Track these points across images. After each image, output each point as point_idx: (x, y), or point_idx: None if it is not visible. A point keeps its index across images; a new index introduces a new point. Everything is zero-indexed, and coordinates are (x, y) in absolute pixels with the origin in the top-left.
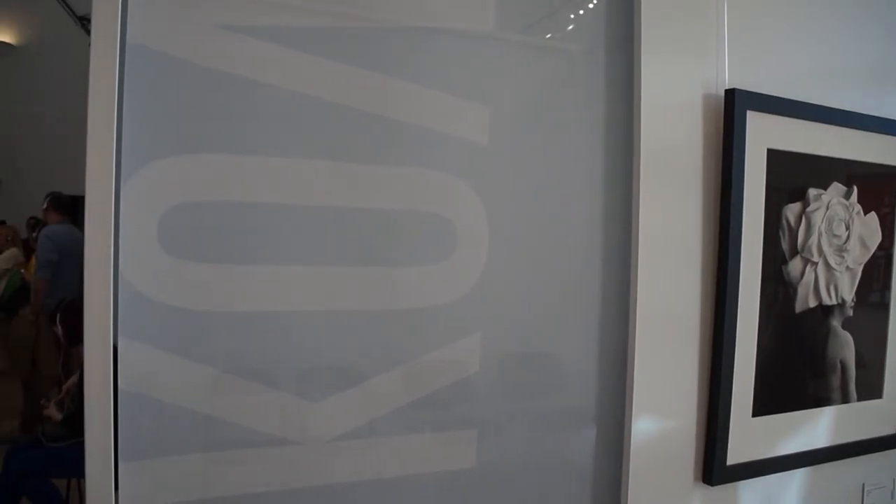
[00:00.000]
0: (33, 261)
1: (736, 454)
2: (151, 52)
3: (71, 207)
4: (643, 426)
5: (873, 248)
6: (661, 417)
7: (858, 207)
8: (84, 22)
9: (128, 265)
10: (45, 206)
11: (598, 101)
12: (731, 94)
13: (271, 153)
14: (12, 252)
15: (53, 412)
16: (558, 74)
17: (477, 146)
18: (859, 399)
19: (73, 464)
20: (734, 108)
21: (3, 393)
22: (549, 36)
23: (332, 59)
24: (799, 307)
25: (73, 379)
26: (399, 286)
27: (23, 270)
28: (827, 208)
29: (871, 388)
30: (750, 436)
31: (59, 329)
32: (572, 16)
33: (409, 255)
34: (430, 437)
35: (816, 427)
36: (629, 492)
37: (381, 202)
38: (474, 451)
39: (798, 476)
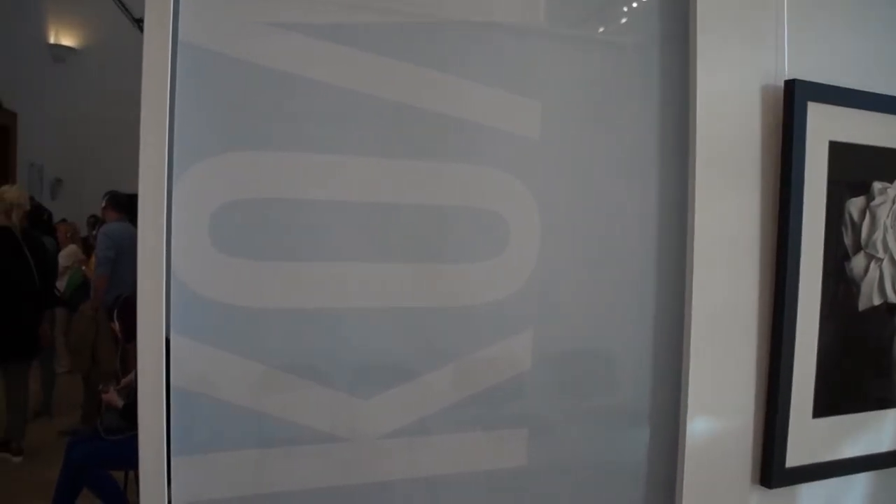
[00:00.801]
0: (93, 258)
1: (795, 456)
2: (202, 50)
3: (128, 206)
4: (699, 426)
5: None
6: (718, 417)
7: None
8: (141, 24)
9: (180, 263)
10: (103, 204)
11: (653, 95)
12: (790, 84)
13: (322, 150)
14: (72, 249)
15: (114, 398)
16: (611, 68)
17: (528, 141)
18: None
19: (130, 456)
20: (794, 99)
21: (64, 387)
22: (602, 30)
23: (381, 54)
24: (862, 305)
25: (131, 376)
26: (450, 283)
27: (83, 267)
28: (893, 202)
29: None
30: (810, 437)
31: (116, 325)
32: (626, 9)
33: (461, 251)
34: (481, 436)
35: (881, 430)
36: (683, 493)
37: (432, 198)
38: (525, 450)
39: (861, 480)
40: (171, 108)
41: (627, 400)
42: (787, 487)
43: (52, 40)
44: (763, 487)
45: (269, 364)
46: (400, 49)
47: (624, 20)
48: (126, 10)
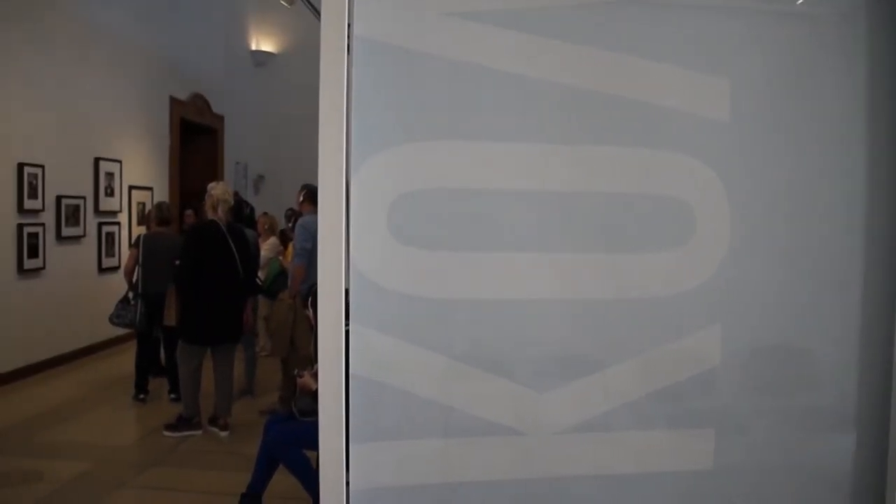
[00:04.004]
0: (290, 248)
1: None
2: (378, 44)
3: None
4: None
5: None
6: None
7: None
8: None
9: (359, 253)
10: (300, 198)
11: (858, 69)
12: None
13: (500, 138)
14: (273, 241)
15: (309, 381)
16: (809, 42)
17: (717, 123)
18: None
19: None
20: None
21: (265, 370)
22: (800, 1)
23: (559, 39)
24: None
25: None
26: (633, 273)
27: (280, 258)
28: None
29: None
30: None
31: (310, 312)
32: None
33: (644, 240)
34: (665, 434)
35: None
36: None
37: (614, 186)
38: (712, 452)
39: None
40: (348, 102)
41: (828, 401)
42: None
43: (253, 47)
44: None
45: (447, 354)
46: (578, 32)
47: None
48: (317, 12)
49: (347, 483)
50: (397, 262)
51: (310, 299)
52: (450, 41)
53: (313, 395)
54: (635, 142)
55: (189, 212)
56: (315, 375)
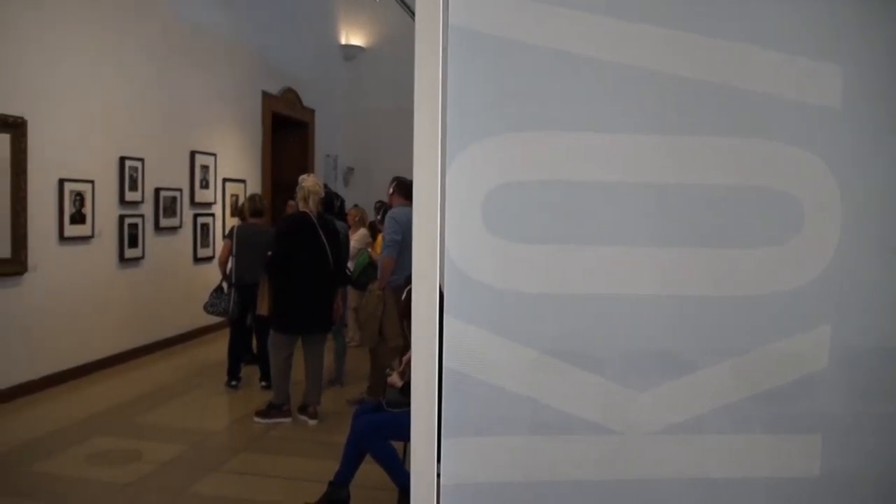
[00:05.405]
0: (379, 240)
1: None
2: (473, 33)
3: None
4: None
5: None
6: None
7: None
8: None
9: (453, 245)
10: (390, 190)
11: None
12: None
13: (596, 129)
14: (363, 233)
15: (396, 379)
16: None
17: (828, 112)
18: None
19: (408, 429)
20: None
21: (354, 360)
22: None
23: (654, 24)
24: None
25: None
26: (735, 270)
27: (369, 250)
28: None
29: None
30: None
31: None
32: None
33: (747, 235)
34: (765, 439)
35: None
36: None
37: (714, 178)
38: (818, 459)
39: None
40: (443, 92)
41: None
42: None
43: (343, 41)
44: None
45: (541, 350)
46: (673, 16)
47: None
48: (406, 6)
49: (438, 476)
50: (491, 254)
51: (407, 290)
52: (546, 29)
53: (400, 390)
54: (737, 132)
55: (292, 202)
56: (401, 373)
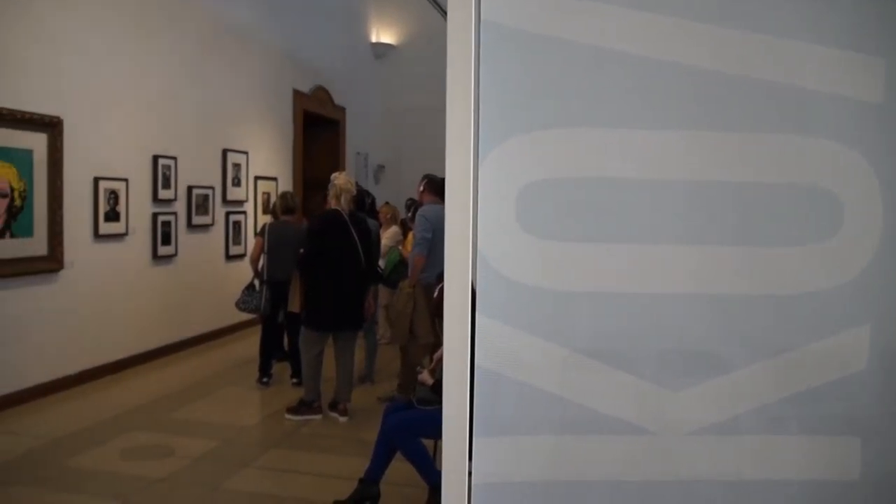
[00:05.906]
0: (410, 237)
1: None
2: (505, 28)
3: (443, 188)
4: None
5: None
6: None
7: None
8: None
9: (486, 243)
10: (420, 188)
11: None
12: None
13: (630, 125)
14: (394, 230)
15: (426, 377)
16: None
17: (868, 106)
18: None
19: (439, 427)
20: None
21: (384, 357)
22: None
23: (689, 18)
24: None
25: (440, 352)
26: (772, 268)
27: (400, 248)
28: None
29: None
30: None
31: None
32: None
33: (785, 234)
34: (803, 441)
35: None
36: None
37: (751, 175)
38: (857, 463)
39: None
40: (476, 88)
41: None
42: None
43: (373, 39)
44: None
45: (575, 349)
46: (706, 9)
47: None
48: (437, 3)
49: (469, 474)
50: (524, 252)
51: (439, 288)
52: (578, 24)
53: (431, 387)
54: (775, 127)
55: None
56: (432, 371)
